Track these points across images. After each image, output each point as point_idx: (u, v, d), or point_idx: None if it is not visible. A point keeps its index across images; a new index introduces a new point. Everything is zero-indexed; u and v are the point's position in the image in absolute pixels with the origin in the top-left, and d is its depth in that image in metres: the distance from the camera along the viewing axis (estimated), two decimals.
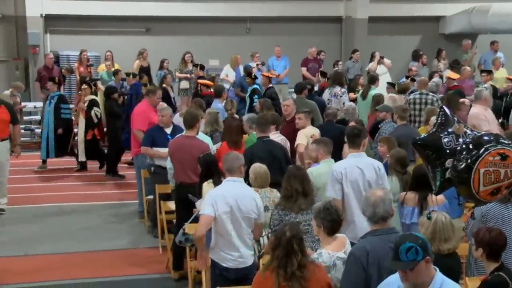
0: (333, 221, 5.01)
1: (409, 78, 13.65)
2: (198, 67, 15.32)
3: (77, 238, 9.40)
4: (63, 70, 15.81)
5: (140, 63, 16.29)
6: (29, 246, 8.96)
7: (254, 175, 6.68)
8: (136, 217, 10.29)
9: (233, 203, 5.70)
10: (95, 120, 12.90)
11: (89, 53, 16.58)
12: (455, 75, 14.03)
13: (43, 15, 17.97)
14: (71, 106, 14.21)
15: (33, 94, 17.41)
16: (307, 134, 8.83)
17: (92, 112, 12.88)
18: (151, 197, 9.55)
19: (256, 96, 12.94)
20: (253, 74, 13.78)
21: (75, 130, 13.44)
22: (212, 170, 7.11)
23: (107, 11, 18.16)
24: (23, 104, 14.88)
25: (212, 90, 12.93)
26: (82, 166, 13.24)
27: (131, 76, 14.50)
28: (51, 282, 7.83)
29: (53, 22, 18.27)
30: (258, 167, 6.73)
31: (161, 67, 16.06)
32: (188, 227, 7.05)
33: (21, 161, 12.59)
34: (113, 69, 15.60)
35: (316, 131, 8.96)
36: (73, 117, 13.42)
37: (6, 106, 10.13)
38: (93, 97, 13.19)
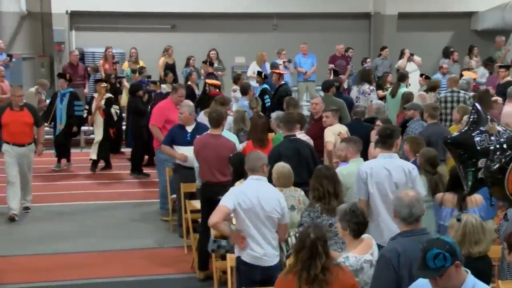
0: (359, 224, 4.96)
1: (423, 76, 13.62)
2: (207, 63, 15.26)
3: (101, 236, 9.47)
4: (88, 69, 15.92)
5: (165, 60, 16.37)
6: (53, 245, 9.05)
7: (277, 174, 6.66)
8: (161, 215, 10.32)
9: (255, 201, 5.69)
10: (115, 118, 13.09)
11: (114, 50, 16.71)
12: (473, 75, 13.92)
13: (69, 11, 18.17)
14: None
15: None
16: (334, 132, 8.80)
17: (112, 110, 13.04)
18: (174, 196, 9.60)
19: (266, 96, 12.99)
20: (263, 74, 13.82)
21: (85, 128, 13.71)
22: (244, 169, 7.10)
23: (132, 7, 18.29)
24: (48, 101, 15.00)
25: (218, 90, 13.00)
26: (94, 166, 13.19)
27: (137, 74, 14.53)
28: (75, 281, 7.88)
29: (78, 18, 18.47)
30: (281, 167, 6.72)
31: (187, 65, 16.12)
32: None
33: (45, 159, 12.76)
34: (137, 66, 15.68)
35: (343, 129, 8.92)
36: (86, 115, 13.25)
37: (29, 109, 10.12)
38: (110, 95, 13.25)
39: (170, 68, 15.98)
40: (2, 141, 10.32)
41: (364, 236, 5.08)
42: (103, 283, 7.87)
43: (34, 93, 13.92)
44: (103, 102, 12.96)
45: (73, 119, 13.05)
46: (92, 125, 13.27)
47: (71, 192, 11.93)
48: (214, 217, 5.65)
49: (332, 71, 14.16)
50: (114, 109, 13.15)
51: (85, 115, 13.18)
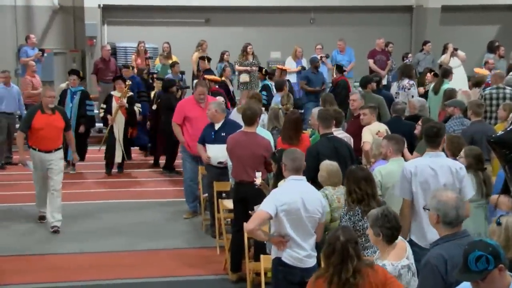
0: (392, 228, 4.88)
1: (432, 72, 13.43)
2: (206, 60, 15.17)
3: (131, 236, 9.54)
4: (123, 71, 15.84)
5: (199, 55, 16.37)
6: (83, 244, 9.14)
7: (327, 173, 6.59)
8: (193, 216, 10.39)
9: (299, 203, 5.68)
10: (138, 117, 12.99)
11: (146, 44, 16.80)
12: (484, 71, 13.72)
13: (101, 5, 18.34)
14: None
15: (89, 86, 17.75)
16: (372, 131, 8.72)
17: (135, 108, 12.91)
18: (206, 195, 9.63)
19: (264, 93, 12.96)
20: (264, 69, 13.95)
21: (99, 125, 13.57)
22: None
23: (165, 1, 18.40)
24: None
25: (217, 86, 13.08)
26: (120, 169, 13.09)
27: (130, 68, 14.49)
28: (101, 282, 7.94)
29: (110, 12, 18.63)
30: (330, 165, 6.67)
31: (221, 59, 16.14)
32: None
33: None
34: (170, 62, 15.76)
35: (383, 128, 8.84)
36: (103, 114, 12.92)
37: (60, 112, 9.72)
38: (131, 93, 13.12)
39: None
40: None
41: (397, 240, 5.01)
42: (131, 283, 7.92)
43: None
44: (125, 100, 12.75)
45: (85, 119, 12.82)
46: (111, 125, 12.80)
47: (97, 190, 12.06)
48: (251, 223, 5.63)
49: (336, 67, 14.03)
50: (137, 108, 13.01)
51: (101, 115, 12.98)
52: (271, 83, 13.79)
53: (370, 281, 4.38)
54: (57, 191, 9.54)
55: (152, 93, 14.12)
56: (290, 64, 16.23)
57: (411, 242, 6.02)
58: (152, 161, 13.78)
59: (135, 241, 9.33)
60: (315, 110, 9.07)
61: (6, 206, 10.92)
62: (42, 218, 9.92)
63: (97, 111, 13.71)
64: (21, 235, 9.53)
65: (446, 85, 11.95)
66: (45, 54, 16.62)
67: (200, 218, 10.04)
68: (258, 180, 7.11)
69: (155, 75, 15.23)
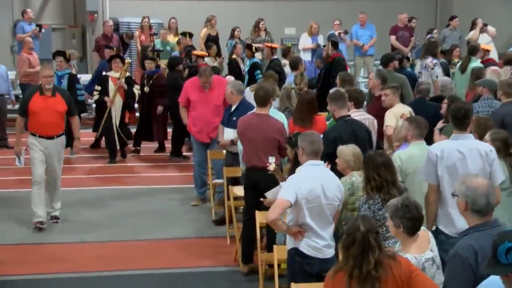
0: (413, 219, 4.85)
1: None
2: (187, 35, 15.06)
3: (135, 225, 9.59)
4: (123, 35, 15.87)
5: (207, 32, 16.35)
6: (85, 233, 9.19)
7: (353, 157, 6.55)
8: (202, 203, 10.42)
9: (319, 190, 5.69)
10: (137, 99, 12.78)
11: (151, 20, 16.77)
12: (488, 47, 13.61)
13: None
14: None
15: (90, 64, 17.81)
16: (396, 114, 8.64)
17: (135, 90, 12.65)
18: (218, 181, 9.64)
19: (258, 72, 12.93)
20: (254, 47, 13.94)
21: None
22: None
23: None
24: (79, 76, 15.13)
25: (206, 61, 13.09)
26: (123, 154, 12.94)
27: (131, 35, 14.50)
28: (106, 273, 8.00)
29: None
30: (353, 148, 6.64)
31: (232, 36, 16.10)
32: (260, 215, 7.11)
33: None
34: (176, 38, 15.72)
35: (407, 110, 8.77)
36: (97, 97, 12.70)
37: (62, 94, 9.28)
38: (129, 74, 12.95)
39: (212, 40, 15.96)
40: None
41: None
42: (135, 275, 7.96)
43: None
44: (123, 81, 12.50)
45: (75, 105, 12.81)
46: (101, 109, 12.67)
47: (98, 175, 12.11)
48: (273, 213, 5.63)
49: (331, 43, 13.93)
50: (136, 89, 12.75)
51: (95, 97, 12.76)
52: (260, 60, 13.77)
53: (393, 274, 4.36)
54: (56, 181, 9.37)
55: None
56: (305, 41, 16.18)
57: (437, 230, 6.01)
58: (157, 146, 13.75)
59: (140, 230, 9.37)
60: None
61: (1, 192, 10.99)
62: (39, 228, 9.17)
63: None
64: (17, 223, 9.55)
65: (474, 63, 11.87)
66: (43, 30, 16.66)
67: (209, 205, 10.06)
68: (272, 166, 7.09)
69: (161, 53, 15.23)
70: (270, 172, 7.13)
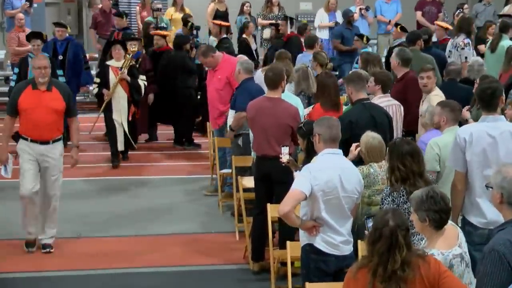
0: (440, 212, 4.85)
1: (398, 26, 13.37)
2: (123, 17, 14.68)
3: (138, 219, 9.65)
4: (115, 21, 15.17)
5: (215, 7, 16.32)
6: (83, 227, 9.23)
7: (365, 149, 6.58)
8: (210, 195, 10.51)
9: (336, 181, 5.71)
10: (142, 92, 11.98)
11: None
12: (445, 24, 13.58)
13: None
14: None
15: (87, 43, 17.82)
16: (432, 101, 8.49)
17: (140, 82, 11.85)
18: (225, 171, 9.71)
19: None
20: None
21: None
22: None
23: None
24: None
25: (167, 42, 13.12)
26: (124, 156, 12.27)
27: (124, 17, 14.36)
28: (107, 271, 8.08)
29: None
30: (371, 138, 6.64)
31: (241, 12, 16.11)
32: (271, 208, 7.17)
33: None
34: (181, 15, 15.73)
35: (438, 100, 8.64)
36: (97, 90, 11.95)
37: (60, 89, 8.27)
38: (132, 61, 11.97)
39: (221, 16, 15.97)
40: (18, 136, 8.35)
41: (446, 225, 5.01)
42: (138, 273, 8.03)
43: None
44: (126, 71, 11.66)
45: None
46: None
47: (99, 165, 12.14)
48: (286, 205, 5.64)
49: (288, 19, 13.75)
50: (142, 80, 11.91)
51: (95, 91, 12.09)
52: (267, 39, 13.73)
53: (421, 275, 4.37)
54: (53, 197, 8.37)
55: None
56: (322, 18, 16.14)
57: (464, 221, 6.05)
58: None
59: (143, 225, 9.44)
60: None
61: None
62: (30, 244, 8.45)
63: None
64: (10, 216, 9.44)
65: (506, 41, 11.80)
66: (35, 5, 16.66)
67: (216, 198, 10.14)
68: (285, 157, 7.10)
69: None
70: (284, 164, 7.15)
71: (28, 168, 8.16)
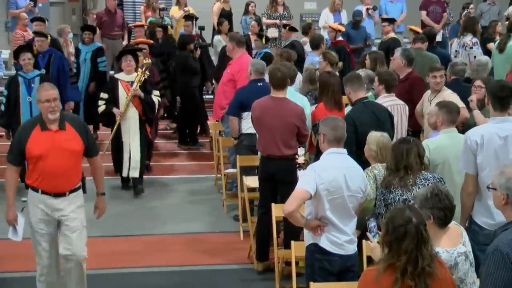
0: (445, 209, 4.88)
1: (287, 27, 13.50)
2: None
3: (140, 218, 9.66)
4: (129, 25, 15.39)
5: (221, 6, 16.30)
6: (87, 227, 9.20)
7: (377, 146, 6.53)
8: (213, 194, 10.54)
9: (341, 180, 5.72)
10: (156, 109, 10.56)
11: None
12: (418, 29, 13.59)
13: None
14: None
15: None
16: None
17: (154, 98, 10.36)
18: (230, 170, 9.70)
19: None
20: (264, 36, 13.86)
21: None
22: None
23: None
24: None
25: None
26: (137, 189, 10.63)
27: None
28: (109, 271, 8.07)
29: None
30: (381, 136, 6.60)
31: (246, 12, 16.10)
32: (276, 208, 7.15)
33: None
34: (185, 14, 15.70)
35: (456, 97, 8.63)
36: (103, 109, 10.38)
37: (74, 125, 6.61)
38: (146, 75, 10.40)
39: (226, 15, 15.96)
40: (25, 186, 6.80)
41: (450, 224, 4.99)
42: (140, 273, 8.02)
43: (62, 43, 13.94)
44: (138, 87, 10.19)
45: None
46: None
47: (110, 163, 12.05)
48: (291, 205, 5.66)
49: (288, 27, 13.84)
50: (156, 97, 10.44)
51: (101, 109, 10.38)
52: (275, 38, 13.70)
53: (442, 275, 4.38)
54: (75, 260, 6.69)
55: None
56: (327, 18, 16.09)
57: (471, 221, 6.05)
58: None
59: (146, 224, 9.44)
60: (363, 73, 8.89)
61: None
62: None
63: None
64: None
65: None
66: (40, 5, 16.71)
67: (221, 197, 10.15)
68: (301, 158, 7.03)
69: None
70: (298, 166, 7.12)
71: (42, 228, 6.60)
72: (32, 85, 10.07)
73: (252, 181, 8.42)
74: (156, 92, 10.52)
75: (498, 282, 4.39)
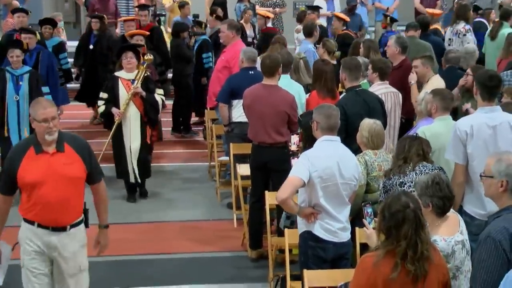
0: (444, 198, 4.88)
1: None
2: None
3: (134, 206, 9.65)
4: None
5: None
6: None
7: (369, 133, 6.57)
8: (207, 182, 10.55)
9: (334, 168, 5.73)
10: (160, 108, 9.95)
11: None
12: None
13: None
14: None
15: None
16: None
17: (157, 97, 9.72)
18: (223, 158, 9.68)
19: (207, 54, 12.76)
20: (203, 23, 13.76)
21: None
22: None
23: None
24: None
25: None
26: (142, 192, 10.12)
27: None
28: (102, 258, 7.88)
29: None
30: (373, 123, 6.63)
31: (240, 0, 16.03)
32: (269, 195, 7.14)
33: (73, 112, 13.01)
34: (177, 2, 15.62)
35: (442, 83, 8.61)
36: (103, 109, 9.74)
37: (74, 146, 5.69)
38: (148, 72, 9.85)
39: (219, 3, 15.88)
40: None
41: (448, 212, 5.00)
42: (134, 261, 8.03)
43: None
44: (139, 85, 9.55)
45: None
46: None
47: (105, 152, 11.95)
48: (284, 192, 5.67)
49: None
50: (159, 95, 9.82)
51: (101, 109, 9.80)
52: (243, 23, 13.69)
53: (437, 261, 4.40)
54: None
55: None
56: (320, 5, 16.05)
57: (460, 210, 6.04)
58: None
59: (139, 212, 9.44)
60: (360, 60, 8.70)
61: None
62: None
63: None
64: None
65: (507, 29, 11.78)
66: None
67: (214, 185, 10.12)
68: (294, 146, 7.04)
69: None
70: (291, 153, 7.13)
71: (36, 267, 5.66)
72: (21, 83, 9.44)
73: (246, 169, 8.40)
74: (160, 91, 9.90)
75: (490, 269, 4.39)
